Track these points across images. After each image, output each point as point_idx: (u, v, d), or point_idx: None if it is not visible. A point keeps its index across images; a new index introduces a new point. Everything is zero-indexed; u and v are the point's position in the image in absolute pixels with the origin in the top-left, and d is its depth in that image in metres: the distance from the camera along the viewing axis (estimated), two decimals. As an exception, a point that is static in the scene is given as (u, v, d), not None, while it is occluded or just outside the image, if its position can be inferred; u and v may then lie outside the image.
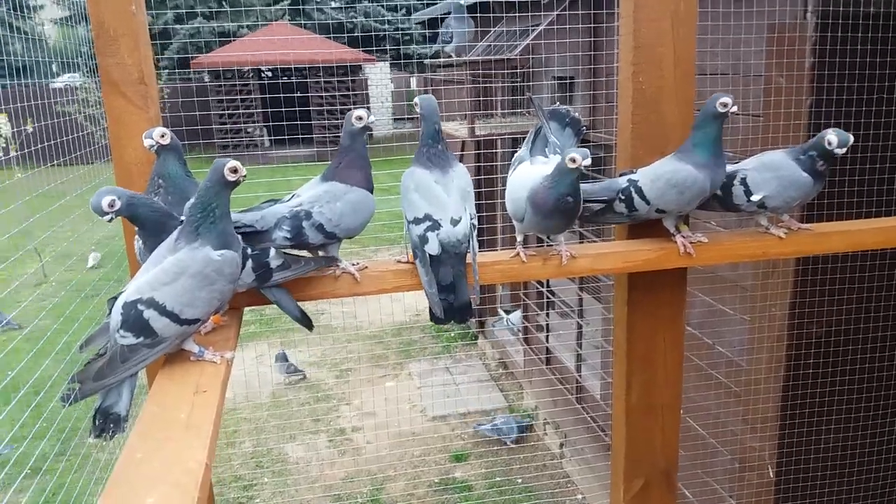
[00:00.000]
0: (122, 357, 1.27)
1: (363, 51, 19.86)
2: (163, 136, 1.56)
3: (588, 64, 4.63)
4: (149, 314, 1.27)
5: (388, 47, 22.07)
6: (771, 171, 1.83)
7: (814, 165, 1.78)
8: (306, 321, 1.64)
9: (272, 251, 1.55)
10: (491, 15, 6.46)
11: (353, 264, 1.71)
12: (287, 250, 1.63)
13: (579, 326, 6.15)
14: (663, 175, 1.79)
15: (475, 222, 1.70)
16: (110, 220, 1.39)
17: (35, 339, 5.96)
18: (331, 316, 8.91)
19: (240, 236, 1.45)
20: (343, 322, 8.77)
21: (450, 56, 5.98)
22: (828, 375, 3.41)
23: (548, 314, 6.71)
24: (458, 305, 1.63)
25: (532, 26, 5.38)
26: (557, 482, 6.21)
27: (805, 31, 2.95)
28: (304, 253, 1.69)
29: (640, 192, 1.82)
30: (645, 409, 2.18)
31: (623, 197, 1.85)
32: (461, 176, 1.75)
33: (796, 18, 3.00)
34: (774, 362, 3.49)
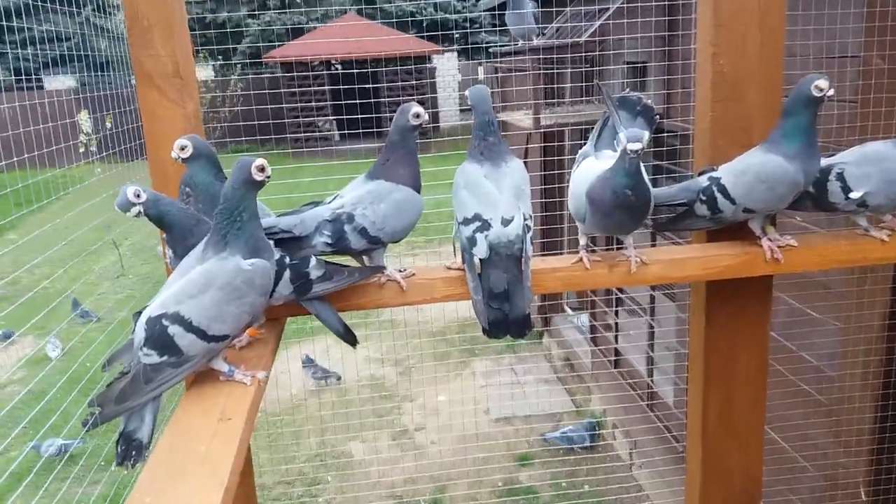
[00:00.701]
0: (146, 377, 1.18)
1: (430, 41, 19.79)
2: (183, 148, 1.46)
3: (662, 47, 4.35)
4: (174, 330, 1.17)
5: (455, 36, 21.92)
6: (873, 164, 1.59)
7: None
8: (350, 336, 1.52)
9: (313, 260, 1.43)
10: None
11: (400, 271, 1.58)
12: (329, 257, 1.51)
13: (651, 327, 5.86)
14: (750, 169, 1.59)
15: (530, 223, 1.54)
16: (137, 216, 1.29)
17: (113, 331, 6.11)
18: (393, 311, 8.86)
19: (273, 243, 1.33)
20: (404, 316, 8.72)
21: (517, 43, 5.77)
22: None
23: (617, 312, 6.44)
24: (513, 317, 1.47)
25: (602, 7, 5.13)
26: (626, 490, 5.96)
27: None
28: (349, 260, 1.57)
29: (723, 190, 1.61)
30: (724, 432, 1.97)
31: (704, 197, 1.65)
32: (516, 171, 1.59)
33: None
34: (869, 373, 3.18)
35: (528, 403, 7.00)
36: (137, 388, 1.17)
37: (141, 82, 1.66)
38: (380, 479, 6.21)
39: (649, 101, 1.76)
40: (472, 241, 1.48)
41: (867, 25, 2.77)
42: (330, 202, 1.54)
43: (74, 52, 4.62)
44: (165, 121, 1.64)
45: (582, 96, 6.07)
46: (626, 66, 5.52)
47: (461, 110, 22.99)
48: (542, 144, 6.54)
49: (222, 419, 1.10)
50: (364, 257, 1.55)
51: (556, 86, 5.68)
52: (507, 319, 1.46)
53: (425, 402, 7.22)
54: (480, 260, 1.47)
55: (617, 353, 6.46)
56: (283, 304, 1.45)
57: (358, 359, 7.85)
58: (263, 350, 1.38)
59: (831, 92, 1.53)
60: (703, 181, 1.67)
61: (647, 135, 1.44)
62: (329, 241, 1.46)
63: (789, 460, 3.71)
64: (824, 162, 1.64)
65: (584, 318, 7.39)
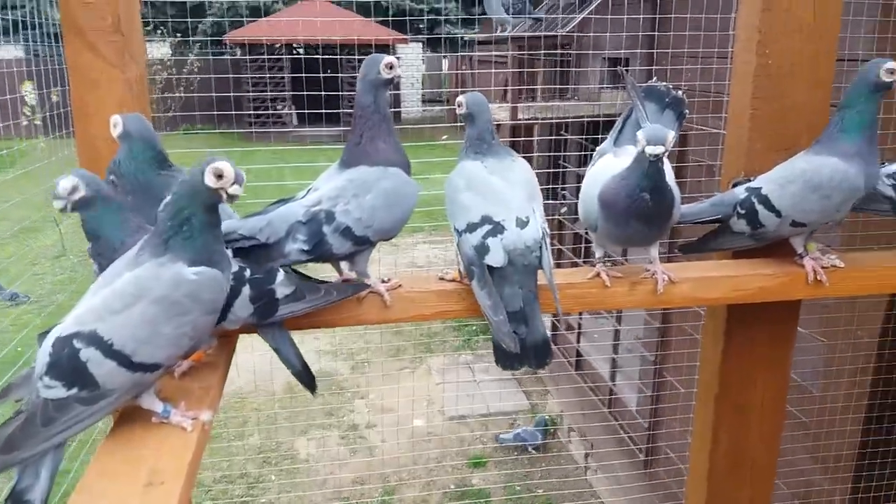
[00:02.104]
0: (45, 417, 0.87)
1: (396, 30, 19.36)
2: (115, 125, 1.16)
3: (647, 45, 4.13)
4: (88, 354, 0.87)
5: (420, 27, 21.55)
6: None
7: None
8: (309, 378, 1.22)
9: (280, 274, 1.14)
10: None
11: (384, 281, 1.29)
12: (301, 266, 1.21)
13: (616, 330, 5.69)
14: (800, 175, 1.35)
15: (546, 228, 1.28)
16: (63, 210, 1.00)
17: (50, 315, 5.66)
18: (349, 302, 8.53)
19: (231, 252, 1.03)
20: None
21: (500, 30, 5.50)
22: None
23: (580, 313, 6.25)
24: (531, 342, 1.20)
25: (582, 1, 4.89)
26: (580, 495, 5.81)
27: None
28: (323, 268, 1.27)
29: (765, 201, 1.37)
30: (732, 468, 1.76)
31: (743, 211, 1.41)
32: (524, 168, 1.33)
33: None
34: (854, 394, 3.03)
35: (484, 402, 6.80)
36: (32, 432, 0.87)
37: (70, 39, 1.31)
38: (327, 478, 5.92)
39: (680, 93, 1.51)
40: (482, 249, 1.21)
41: (880, 29, 2.58)
42: (303, 197, 1.24)
43: (28, 20, 4.19)
44: (100, 87, 1.30)
45: (555, 93, 5.84)
46: (605, 62, 5.31)
47: (423, 101, 22.66)
48: (512, 139, 6.30)
49: (151, 484, 0.80)
50: (346, 262, 1.26)
51: (527, 85, 5.45)
52: (523, 345, 1.20)
53: (378, 398, 6.93)
54: (492, 269, 1.20)
55: (578, 354, 6.28)
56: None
57: (308, 351, 7.51)
58: (210, 379, 1.08)
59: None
60: (741, 193, 1.43)
61: (671, 134, 1.19)
62: (306, 248, 1.16)
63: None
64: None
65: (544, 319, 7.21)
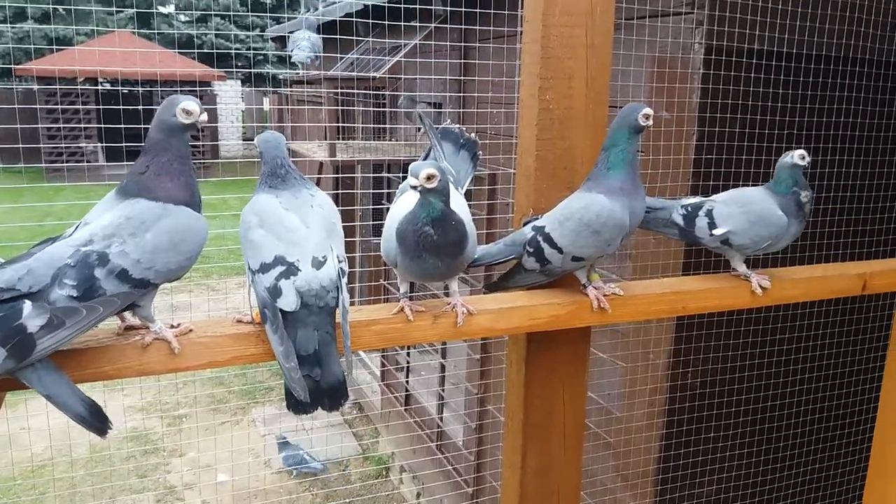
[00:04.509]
0: None
1: (212, 68, 18.76)
2: None
3: (457, 90, 4.34)
4: None
5: (239, 65, 21.06)
6: (741, 205, 1.63)
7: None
8: (98, 420, 1.07)
9: (27, 306, 1.01)
10: (352, 36, 6.07)
11: (172, 326, 1.21)
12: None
13: (442, 367, 5.80)
14: (574, 213, 1.46)
15: (345, 266, 1.26)
16: None
17: None
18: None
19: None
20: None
21: (300, 70, 5.49)
22: (710, 430, 3.27)
23: (408, 353, 6.31)
24: (326, 385, 1.18)
25: (403, 42, 5.04)
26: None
27: (693, 66, 2.81)
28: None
29: (549, 239, 1.47)
30: (542, 489, 1.83)
31: (531, 249, 1.49)
32: (324, 203, 1.31)
33: (684, 52, 2.86)
34: (654, 412, 3.30)
35: (314, 451, 6.59)
36: None
37: None
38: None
39: (473, 136, 1.59)
40: (274, 291, 1.17)
41: (655, 84, 2.91)
42: (71, 234, 1.13)
43: None
44: None
45: (375, 134, 5.93)
46: (421, 105, 5.49)
47: (244, 139, 22.06)
48: (336, 175, 6.29)
49: None
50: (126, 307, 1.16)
51: (349, 123, 5.49)
52: (318, 388, 1.17)
53: (198, 455, 6.48)
54: (283, 314, 1.17)
55: (407, 391, 6.31)
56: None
57: (115, 409, 6.87)
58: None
59: (651, 113, 1.47)
60: (528, 231, 1.52)
61: (428, 170, 1.23)
62: (74, 294, 1.05)
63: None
64: (698, 200, 1.66)
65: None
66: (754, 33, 2.78)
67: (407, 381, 6.25)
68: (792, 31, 2.88)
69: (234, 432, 6.93)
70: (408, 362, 6.27)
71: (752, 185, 1.70)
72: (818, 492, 3.75)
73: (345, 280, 1.23)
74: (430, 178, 1.22)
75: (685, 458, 3.29)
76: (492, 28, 3.73)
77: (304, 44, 5.13)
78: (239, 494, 5.89)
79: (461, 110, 4.58)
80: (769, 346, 3.31)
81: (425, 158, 1.54)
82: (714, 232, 1.60)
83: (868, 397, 3.60)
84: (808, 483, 3.69)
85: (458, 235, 1.29)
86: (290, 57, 5.13)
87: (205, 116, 1.20)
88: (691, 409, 3.23)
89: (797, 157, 1.59)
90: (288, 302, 1.16)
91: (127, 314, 1.21)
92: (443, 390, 5.76)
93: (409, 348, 6.26)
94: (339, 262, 1.24)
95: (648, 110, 1.42)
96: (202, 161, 16.11)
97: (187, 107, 1.17)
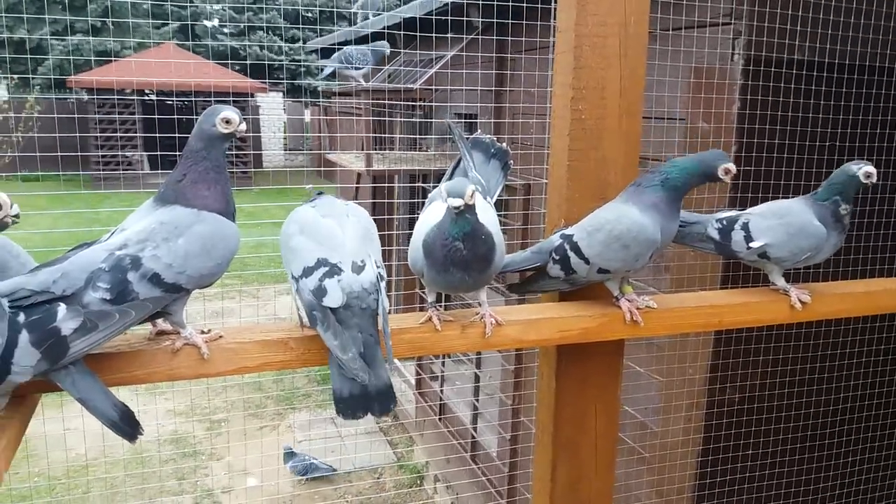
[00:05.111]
0: None
1: (256, 79, 19.15)
2: None
3: (490, 101, 4.34)
4: None
5: (282, 78, 21.46)
6: (778, 217, 1.60)
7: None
8: (129, 426, 1.09)
9: (62, 309, 1.03)
10: (401, 45, 6.13)
11: (203, 332, 1.23)
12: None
13: (476, 377, 5.78)
14: (604, 224, 1.44)
15: (383, 272, 1.27)
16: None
17: None
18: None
19: (6, 302, 0.94)
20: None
21: (353, 82, 5.57)
22: (749, 447, 3.19)
23: (443, 362, 6.31)
24: (374, 389, 1.17)
25: (437, 54, 5.08)
26: (448, 546, 5.76)
27: (732, 76, 2.76)
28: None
29: (576, 249, 1.45)
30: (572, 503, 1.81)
31: (557, 257, 1.48)
32: (360, 213, 1.33)
33: (723, 62, 2.82)
34: (691, 428, 3.23)
35: (349, 458, 6.62)
36: None
37: None
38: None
39: (504, 145, 1.59)
40: (319, 291, 1.18)
41: (694, 94, 2.87)
42: (107, 239, 1.16)
43: None
44: None
45: (413, 145, 5.96)
46: (455, 116, 5.51)
47: (287, 150, 22.43)
48: (373, 185, 6.35)
49: None
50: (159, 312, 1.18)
51: (385, 134, 5.54)
52: (366, 392, 1.17)
53: (235, 459, 6.57)
54: (330, 310, 1.18)
55: (441, 400, 6.31)
56: (30, 381, 1.05)
57: (158, 412, 7.01)
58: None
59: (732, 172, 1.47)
60: (556, 239, 1.51)
61: (470, 188, 1.23)
62: (108, 297, 1.07)
63: (613, 516, 3.69)
64: (733, 213, 1.63)
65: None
66: (794, 43, 2.73)
67: (441, 391, 6.25)
68: (834, 42, 2.81)
69: (271, 437, 7.00)
70: (442, 372, 6.27)
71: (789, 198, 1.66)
72: (863, 513, 3.62)
73: (384, 284, 1.24)
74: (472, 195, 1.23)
75: (723, 476, 3.21)
76: (525, 39, 3.72)
77: (362, 58, 5.22)
78: (272, 499, 5.94)
79: (495, 121, 4.59)
80: (810, 363, 3.22)
81: (455, 169, 1.55)
82: (751, 245, 1.57)
83: (917, 416, 3.48)
84: (852, 504, 3.58)
85: (486, 249, 1.29)
86: (352, 67, 5.21)
87: (244, 126, 1.23)
88: (729, 425, 3.16)
89: (863, 172, 1.55)
90: (334, 298, 1.17)
91: (159, 320, 1.24)
92: (477, 400, 5.74)
93: (443, 358, 6.26)
94: (377, 267, 1.25)
95: (732, 167, 1.41)
96: (244, 171, 16.43)
97: (227, 116, 1.20)
